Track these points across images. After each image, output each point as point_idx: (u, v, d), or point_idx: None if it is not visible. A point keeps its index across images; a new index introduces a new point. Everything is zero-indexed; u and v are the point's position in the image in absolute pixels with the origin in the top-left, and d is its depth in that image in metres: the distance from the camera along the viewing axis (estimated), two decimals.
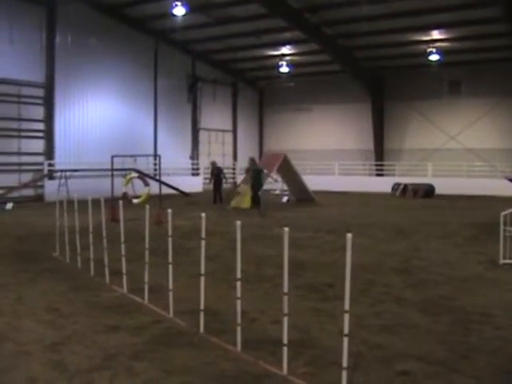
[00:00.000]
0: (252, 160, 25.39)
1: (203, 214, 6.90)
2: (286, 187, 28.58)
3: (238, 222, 6.27)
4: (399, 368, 5.96)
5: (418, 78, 36.37)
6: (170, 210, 7.62)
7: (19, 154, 27.64)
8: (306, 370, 5.82)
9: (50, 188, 26.56)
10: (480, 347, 6.64)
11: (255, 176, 23.83)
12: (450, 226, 18.04)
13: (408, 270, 11.17)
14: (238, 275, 6.35)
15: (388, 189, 32.74)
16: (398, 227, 17.70)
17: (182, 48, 35.76)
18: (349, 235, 4.96)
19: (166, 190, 26.00)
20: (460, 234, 16.32)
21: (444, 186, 31.67)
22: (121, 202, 9.44)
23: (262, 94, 43.69)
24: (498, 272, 11.08)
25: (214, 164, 28.08)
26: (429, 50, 32.11)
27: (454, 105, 35.87)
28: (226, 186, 27.97)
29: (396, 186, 32.50)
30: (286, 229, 5.60)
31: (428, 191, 31.17)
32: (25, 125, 27.95)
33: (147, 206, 8.40)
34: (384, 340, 6.82)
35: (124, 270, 9.10)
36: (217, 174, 27.23)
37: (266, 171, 24.21)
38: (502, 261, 11.62)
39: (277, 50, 35.61)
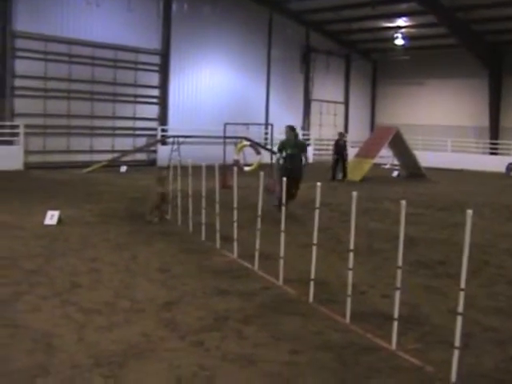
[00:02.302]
0: (291, 129, 14.89)
1: (318, 184, 6.88)
2: (396, 161, 28.12)
3: (354, 193, 6.20)
4: None
5: None
6: (284, 179, 7.63)
7: (134, 119, 28.42)
8: (416, 347, 5.74)
9: (163, 153, 27.14)
10: None
11: (296, 155, 14.32)
12: None
13: None
14: (351, 246, 6.30)
15: (502, 168, 31.55)
16: None
17: (296, 18, 35.58)
18: (469, 212, 4.83)
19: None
20: None
21: None
22: (234, 168, 9.54)
23: (375, 67, 42.97)
24: None
25: (342, 135, 25.48)
26: None
27: None
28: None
29: (511, 166, 31.33)
30: (404, 202, 5.51)
31: None
32: (140, 91, 28.66)
33: (261, 173, 8.41)
34: (497, 322, 6.64)
35: (235, 236, 9.22)
36: (343, 146, 24.78)
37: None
38: None
39: (392, 21, 34.80)
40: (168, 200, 12.63)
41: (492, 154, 35.60)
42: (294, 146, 14.42)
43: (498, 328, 6.47)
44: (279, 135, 29.80)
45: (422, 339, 5.99)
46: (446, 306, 7.02)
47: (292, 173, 13.55)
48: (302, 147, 14.72)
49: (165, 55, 29.15)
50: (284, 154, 14.34)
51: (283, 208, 7.81)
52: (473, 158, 34.55)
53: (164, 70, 29.28)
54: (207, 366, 5.11)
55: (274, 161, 14.61)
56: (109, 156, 25.86)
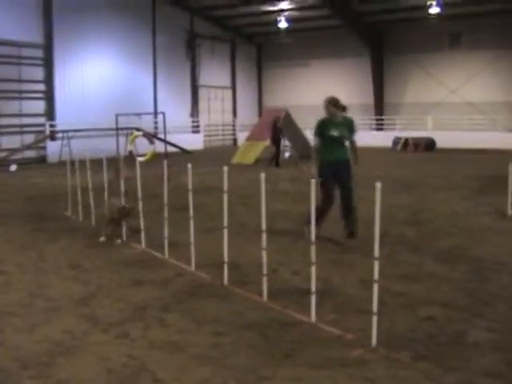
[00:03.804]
0: (331, 103, 10.12)
1: (225, 168, 6.99)
2: (287, 143, 28.54)
3: (263, 175, 6.37)
4: (423, 314, 6.12)
5: (417, 31, 35.96)
6: (189, 165, 7.68)
7: (20, 115, 27.48)
8: (334, 317, 5.97)
9: (53, 149, 26.63)
10: (499, 294, 6.81)
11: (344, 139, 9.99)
12: (455, 179, 18.12)
13: (418, 222, 11.34)
14: (263, 226, 6.47)
15: (389, 143, 32.70)
16: (403, 180, 17.78)
17: (179, 4, 35.33)
18: (378, 184, 5.08)
19: (168, 148, 26.12)
20: (466, 187, 16.40)
21: (445, 139, 31.58)
22: (137, 159, 9.52)
23: (260, 50, 43.32)
24: (507, 222, 11.25)
25: (279, 118, 24.82)
26: (429, 2, 31.67)
27: (455, 58, 35.54)
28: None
29: (397, 140, 32.49)
30: (313, 180, 5.70)
31: (429, 145, 31.18)
32: (25, 86, 27.72)
33: (165, 162, 8.44)
34: (405, 288, 6.99)
35: (142, 227, 9.21)
36: (280, 129, 24.39)
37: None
38: (510, 211, 11.76)
39: (275, 5, 35.11)
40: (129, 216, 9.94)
41: (378, 129, 36.83)
42: (341, 125, 9.86)
43: (406, 293, 6.82)
44: (170, 122, 29.86)
45: (338, 309, 6.24)
46: (355, 277, 7.33)
47: (340, 171, 9.64)
48: (351, 127, 10.03)
49: (48, 48, 28.28)
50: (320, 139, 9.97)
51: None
52: (360, 134, 35.07)
53: (48, 64, 28.41)
54: (136, 355, 5.14)
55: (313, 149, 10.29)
56: None
